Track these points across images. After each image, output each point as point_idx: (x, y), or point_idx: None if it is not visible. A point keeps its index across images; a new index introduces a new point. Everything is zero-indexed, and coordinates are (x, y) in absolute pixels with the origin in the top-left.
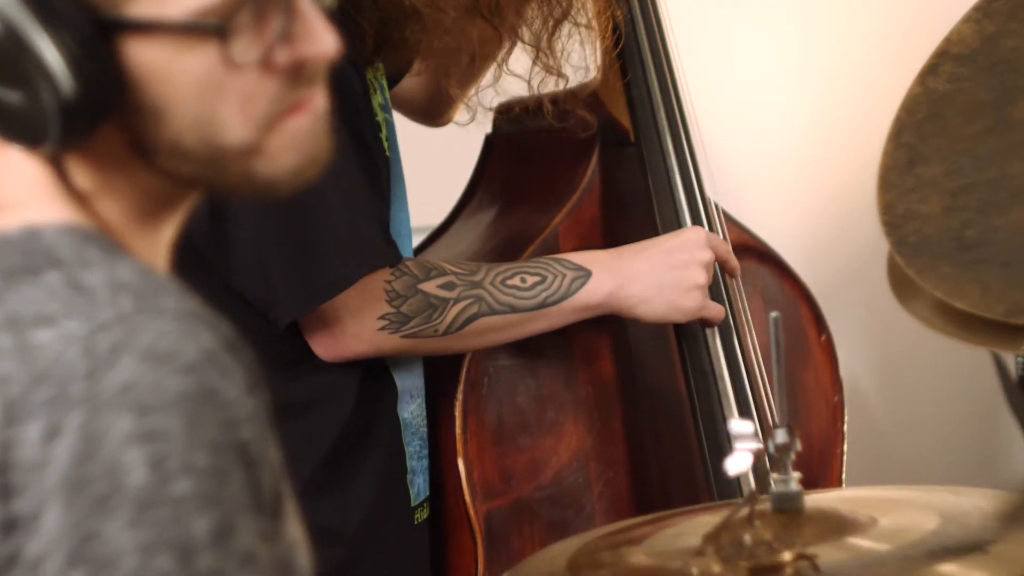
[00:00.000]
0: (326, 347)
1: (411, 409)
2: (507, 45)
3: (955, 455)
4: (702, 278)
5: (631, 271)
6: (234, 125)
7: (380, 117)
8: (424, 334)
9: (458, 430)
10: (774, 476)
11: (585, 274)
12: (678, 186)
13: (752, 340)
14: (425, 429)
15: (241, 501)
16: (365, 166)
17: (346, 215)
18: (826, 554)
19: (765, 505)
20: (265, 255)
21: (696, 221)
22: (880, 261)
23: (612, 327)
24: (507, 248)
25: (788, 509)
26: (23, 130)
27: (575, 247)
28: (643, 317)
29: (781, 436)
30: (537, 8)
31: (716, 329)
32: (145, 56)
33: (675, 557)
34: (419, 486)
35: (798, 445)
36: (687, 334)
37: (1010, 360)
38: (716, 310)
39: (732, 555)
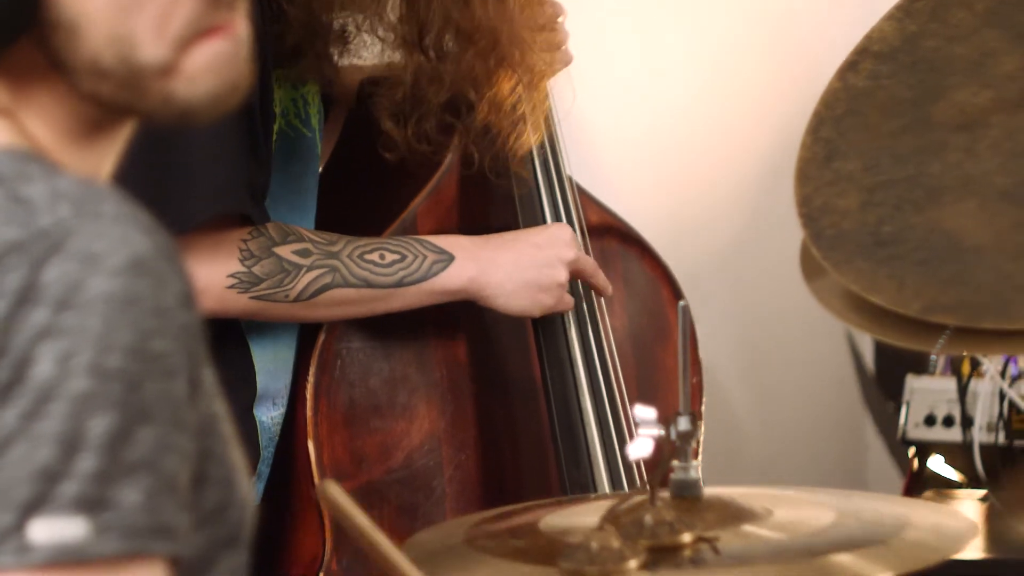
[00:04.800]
0: None
1: (271, 415)
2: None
3: (811, 452)
4: (564, 276)
5: (495, 261)
6: (149, 42)
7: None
8: (273, 298)
9: (309, 411)
10: (675, 463)
11: (447, 258)
12: (536, 168)
13: (607, 328)
14: (279, 438)
15: (149, 410)
16: (241, 124)
17: (207, 157)
18: (725, 539)
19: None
20: (127, 188)
21: (553, 204)
22: (744, 255)
23: (468, 311)
24: (365, 227)
25: (687, 496)
26: None
27: (433, 229)
28: (502, 309)
29: (684, 423)
30: (476, 56)
31: (574, 318)
32: None
33: (573, 533)
34: (259, 490)
35: (700, 433)
36: (544, 322)
37: (867, 351)
38: (568, 302)
39: (632, 533)
